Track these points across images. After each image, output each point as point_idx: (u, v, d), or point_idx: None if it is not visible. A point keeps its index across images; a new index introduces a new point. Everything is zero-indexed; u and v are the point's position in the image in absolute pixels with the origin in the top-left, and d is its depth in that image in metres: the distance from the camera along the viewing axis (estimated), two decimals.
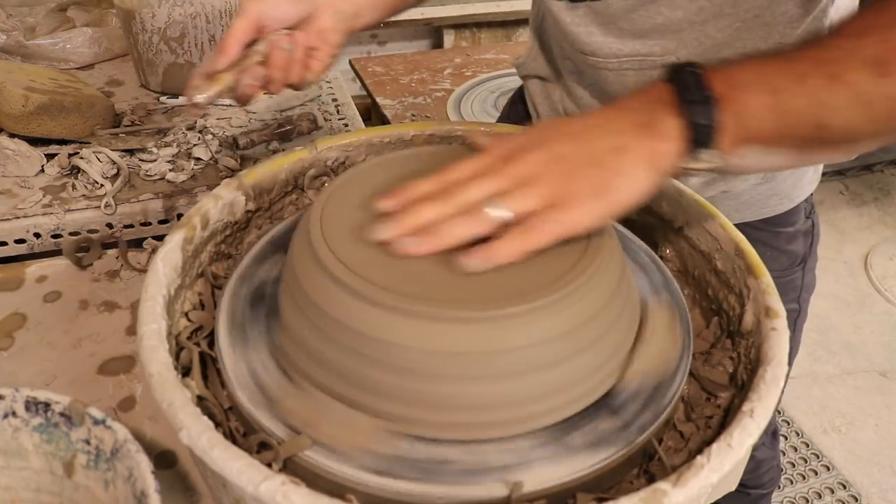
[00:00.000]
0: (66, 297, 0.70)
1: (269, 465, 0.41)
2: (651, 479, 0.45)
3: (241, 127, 1.08)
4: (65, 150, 0.96)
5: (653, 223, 0.63)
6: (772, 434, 1.08)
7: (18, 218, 0.87)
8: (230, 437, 0.46)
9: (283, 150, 1.02)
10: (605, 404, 0.47)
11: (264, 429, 0.44)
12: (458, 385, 0.43)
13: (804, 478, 1.64)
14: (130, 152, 0.99)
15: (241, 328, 0.51)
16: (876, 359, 1.95)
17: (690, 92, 0.45)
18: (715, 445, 0.39)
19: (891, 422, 1.77)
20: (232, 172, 0.95)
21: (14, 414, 0.47)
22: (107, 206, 0.88)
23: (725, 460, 0.39)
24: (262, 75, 0.66)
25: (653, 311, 0.53)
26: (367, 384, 0.44)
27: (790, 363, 0.91)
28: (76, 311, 0.69)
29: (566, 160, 0.46)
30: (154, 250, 0.71)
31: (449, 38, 2.30)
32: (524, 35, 2.35)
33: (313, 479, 0.42)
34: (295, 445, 0.43)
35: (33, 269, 0.74)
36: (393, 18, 0.78)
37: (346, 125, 1.13)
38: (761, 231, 0.78)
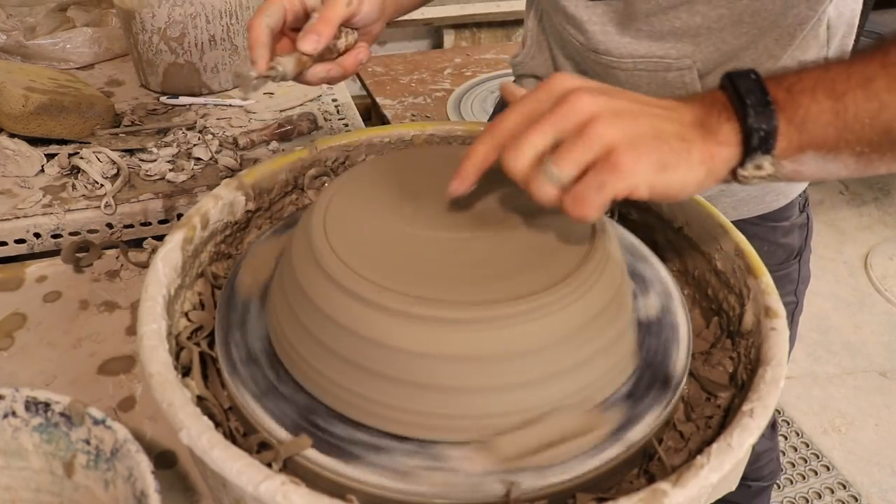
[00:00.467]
0: (66, 297, 0.70)
1: (269, 465, 0.41)
2: (651, 479, 0.45)
3: (241, 127, 1.08)
4: (65, 150, 0.97)
5: (653, 223, 0.63)
6: (771, 426, 1.08)
7: (18, 218, 0.87)
8: (230, 437, 0.46)
9: (283, 150, 1.02)
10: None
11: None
12: (457, 385, 0.43)
13: (804, 478, 1.64)
14: (130, 152, 0.99)
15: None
16: (876, 359, 1.95)
17: (749, 96, 0.44)
18: (715, 445, 0.39)
19: (891, 422, 1.77)
20: (232, 172, 0.95)
21: (14, 414, 0.47)
22: (107, 206, 0.88)
23: (725, 460, 0.39)
24: (326, 71, 0.60)
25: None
26: (366, 384, 0.44)
27: (789, 353, 0.91)
28: (76, 311, 0.69)
29: (630, 117, 0.43)
30: (154, 250, 0.71)
31: (449, 38, 2.30)
32: None
33: (313, 479, 0.42)
34: (295, 445, 0.43)
35: (33, 269, 0.74)
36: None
37: (346, 125, 1.13)
38: (758, 227, 0.79)
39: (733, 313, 0.53)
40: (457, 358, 0.42)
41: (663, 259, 0.61)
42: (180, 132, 1.03)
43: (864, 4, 1.45)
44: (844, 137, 0.44)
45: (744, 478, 1.04)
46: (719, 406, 0.49)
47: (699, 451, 0.41)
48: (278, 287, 0.51)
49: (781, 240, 0.82)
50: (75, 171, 0.94)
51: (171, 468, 0.54)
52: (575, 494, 0.42)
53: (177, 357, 0.49)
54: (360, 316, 0.44)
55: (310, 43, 0.56)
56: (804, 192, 0.83)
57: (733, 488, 0.42)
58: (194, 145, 1.00)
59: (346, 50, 0.61)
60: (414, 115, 1.50)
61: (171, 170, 0.95)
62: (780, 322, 0.47)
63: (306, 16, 0.59)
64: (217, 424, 0.45)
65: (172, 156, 0.98)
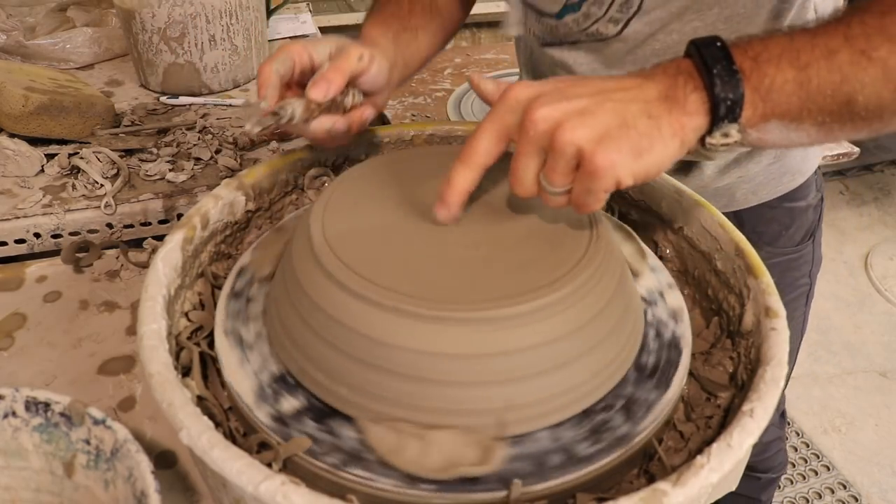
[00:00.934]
0: (66, 297, 0.70)
1: (269, 465, 0.41)
2: (651, 479, 0.45)
3: (241, 127, 1.08)
4: (65, 150, 0.96)
5: (653, 223, 0.63)
6: (780, 415, 1.09)
7: (18, 218, 0.87)
8: (230, 437, 0.46)
9: (283, 150, 1.02)
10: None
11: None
12: (457, 386, 0.43)
13: (804, 478, 1.64)
14: (130, 152, 0.99)
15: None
16: (876, 359, 1.95)
17: (715, 65, 0.44)
18: (715, 445, 0.39)
19: (891, 422, 1.77)
20: (232, 172, 0.95)
21: (14, 414, 0.47)
22: (107, 206, 0.88)
23: (725, 460, 0.39)
24: (332, 123, 0.60)
25: None
26: (366, 384, 0.44)
27: (800, 341, 0.92)
28: (76, 311, 0.69)
29: (595, 117, 0.44)
30: (154, 250, 0.71)
31: None
32: None
33: (313, 480, 0.42)
34: (295, 445, 0.43)
35: (33, 269, 0.74)
36: None
37: None
38: (776, 209, 0.81)
39: (733, 313, 0.53)
40: (456, 356, 0.42)
41: (663, 259, 0.61)
42: (180, 132, 1.03)
43: None
44: (807, 107, 0.45)
45: (753, 469, 1.06)
46: (719, 406, 0.49)
47: (699, 451, 0.41)
48: (281, 285, 0.51)
49: (799, 221, 0.84)
50: (75, 171, 0.94)
51: (171, 468, 0.54)
52: (575, 494, 0.42)
53: (177, 357, 0.49)
54: (359, 314, 0.44)
55: (320, 90, 0.56)
56: (817, 169, 0.84)
57: (733, 488, 0.42)
58: (194, 145, 1.00)
59: (352, 109, 0.61)
60: (414, 115, 1.50)
61: (171, 170, 0.95)
62: (780, 322, 0.47)
63: (313, 71, 0.59)
64: (217, 424, 0.45)
65: (172, 156, 0.98)
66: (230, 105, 1.15)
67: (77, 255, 0.74)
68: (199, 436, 0.39)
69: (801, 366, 1.90)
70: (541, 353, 0.44)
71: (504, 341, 0.43)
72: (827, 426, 1.76)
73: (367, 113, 0.63)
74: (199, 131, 1.04)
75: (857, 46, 0.44)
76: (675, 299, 0.55)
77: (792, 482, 1.63)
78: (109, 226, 0.90)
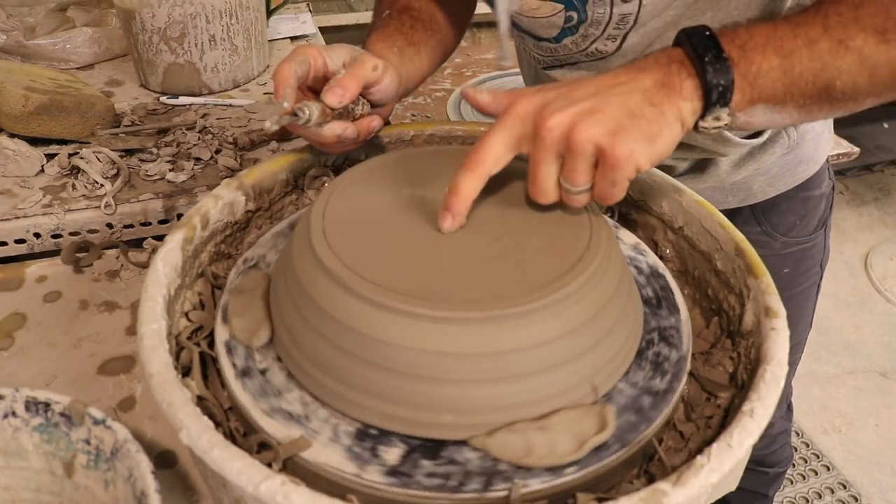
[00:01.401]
0: (66, 297, 0.70)
1: (269, 465, 0.41)
2: (651, 479, 0.45)
3: (241, 127, 1.08)
4: (65, 150, 0.96)
5: (653, 223, 0.63)
6: (787, 407, 1.09)
7: (18, 218, 0.87)
8: (230, 437, 0.46)
9: (283, 150, 1.02)
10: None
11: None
12: (457, 386, 0.43)
13: (804, 478, 1.64)
14: (130, 152, 0.99)
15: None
16: (876, 359, 1.95)
17: (706, 53, 0.47)
18: (715, 445, 0.39)
19: (891, 422, 1.77)
20: (232, 172, 0.95)
21: (14, 414, 0.47)
22: (107, 206, 0.88)
23: (725, 460, 0.39)
24: (343, 129, 0.60)
25: None
26: (365, 384, 0.44)
27: (808, 334, 0.93)
28: (76, 311, 0.69)
29: (602, 111, 0.46)
30: (154, 250, 0.71)
31: None
32: None
33: (313, 480, 0.42)
34: (295, 445, 0.43)
35: (33, 269, 0.74)
36: None
37: None
38: (792, 199, 0.83)
39: (733, 313, 0.53)
40: (457, 355, 0.42)
41: (663, 259, 0.61)
42: (180, 132, 1.03)
43: None
44: (790, 92, 0.49)
45: (759, 464, 1.06)
46: (719, 406, 0.49)
47: (699, 451, 0.41)
48: (282, 285, 0.51)
49: (813, 209, 0.85)
50: (75, 171, 0.94)
51: (171, 468, 0.54)
52: (575, 494, 0.42)
53: (177, 357, 0.49)
54: (360, 314, 0.44)
55: (335, 96, 0.57)
56: (828, 158, 0.86)
57: (733, 488, 0.42)
58: (194, 145, 1.00)
59: (360, 117, 0.62)
60: (414, 115, 1.50)
61: (171, 170, 0.95)
62: (780, 322, 0.47)
63: (325, 77, 0.60)
64: (217, 424, 0.45)
65: (172, 156, 0.98)
66: (230, 105, 1.15)
67: (77, 255, 0.74)
68: (199, 436, 0.39)
69: (802, 366, 1.89)
70: (542, 351, 0.44)
71: (504, 340, 0.43)
72: (827, 426, 1.76)
73: (375, 123, 0.64)
74: (199, 131, 1.04)
75: (835, 36, 0.48)
76: (628, 236, 0.61)
77: (792, 482, 1.63)
78: (109, 226, 0.90)
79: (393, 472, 0.42)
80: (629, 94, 0.47)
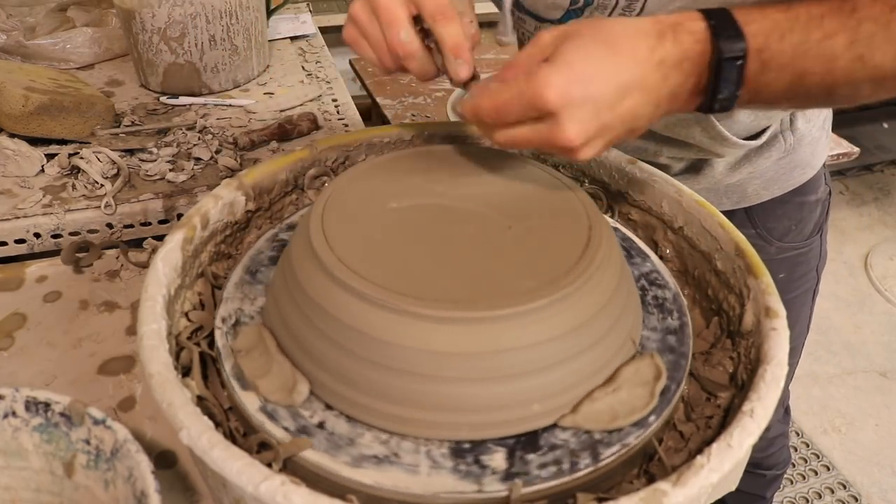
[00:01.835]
0: (66, 297, 0.70)
1: (269, 465, 0.41)
2: (651, 479, 0.45)
3: (241, 127, 1.08)
4: (65, 150, 0.96)
5: (653, 223, 0.63)
6: (784, 410, 1.09)
7: (18, 218, 0.87)
8: (230, 437, 0.46)
9: (283, 150, 1.02)
10: None
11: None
12: (457, 385, 0.43)
13: (804, 478, 1.64)
14: (130, 152, 0.99)
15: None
16: (876, 359, 1.95)
17: (725, 84, 0.48)
18: (715, 445, 0.39)
19: (891, 422, 1.77)
20: (232, 172, 0.95)
21: (14, 414, 0.47)
22: (107, 206, 0.88)
23: (725, 460, 0.39)
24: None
25: None
26: (366, 384, 0.44)
27: (805, 339, 0.93)
28: (76, 311, 0.69)
29: (614, 131, 0.48)
30: (154, 250, 0.71)
31: None
32: None
33: (313, 480, 0.42)
34: (295, 445, 0.43)
35: (33, 269, 0.74)
36: None
37: (346, 125, 1.13)
38: (788, 204, 0.82)
39: (733, 313, 0.53)
40: (455, 355, 0.42)
41: (663, 259, 0.61)
42: (180, 132, 1.03)
43: None
44: (788, 98, 0.50)
45: (757, 466, 1.06)
46: (719, 406, 0.49)
47: (699, 451, 0.41)
48: (281, 285, 0.51)
49: (809, 215, 0.85)
50: (75, 171, 0.94)
51: (171, 468, 0.54)
52: (575, 494, 0.42)
53: (177, 357, 0.49)
54: (359, 313, 0.44)
55: (465, 70, 0.54)
56: (825, 163, 0.85)
57: (733, 488, 0.42)
58: (194, 145, 1.00)
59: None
60: (414, 115, 1.50)
61: (171, 170, 0.95)
62: (781, 322, 0.47)
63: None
64: (217, 424, 0.45)
65: (172, 156, 0.98)
66: (230, 105, 1.15)
67: (77, 255, 0.74)
68: (199, 436, 0.39)
69: (802, 366, 1.89)
70: (541, 351, 0.44)
71: (503, 340, 0.43)
72: (827, 426, 1.76)
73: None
74: (199, 131, 1.04)
75: (857, 52, 0.47)
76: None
77: (792, 482, 1.63)
78: (109, 226, 0.90)
79: (509, 475, 0.42)
80: (642, 106, 0.47)
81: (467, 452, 0.43)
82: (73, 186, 0.91)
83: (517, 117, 0.47)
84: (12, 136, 0.95)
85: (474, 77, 0.55)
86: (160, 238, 0.60)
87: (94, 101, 1.01)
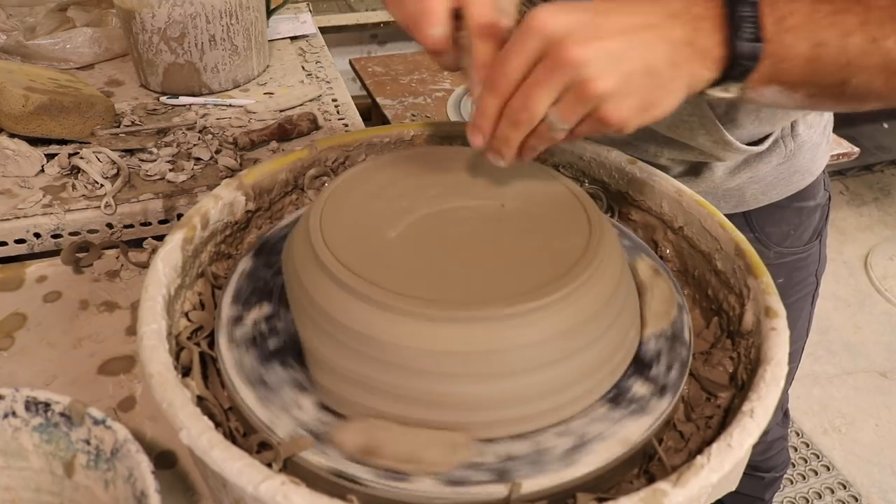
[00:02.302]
0: (66, 297, 0.70)
1: (269, 465, 0.41)
2: (651, 479, 0.45)
3: (241, 127, 1.08)
4: (65, 150, 0.97)
5: (653, 223, 0.63)
6: (783, 414, 1.09)
7: (18, 218, 0.87)
8: (230, 437, 0.46)
9: (283, 150, 1.02)
10: (633, 372, 0.49)
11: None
12: (457, 385, 0.43)
13: (804, 478, 1.64)
14: (130, 152, 0.99)
15: (260, 381, 0.48)
16: (876, 359, 1.95)
17: (744, 25, 0.45)
18: (715, 445, 0.39)
19: (891, 422, 1.77)
20: (232, 172, 0.95)
21: (14, 414, 0.47)
22: (107, 206, 0.88)
23: (725, 460, 0.39)
24: None
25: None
26: (365, 383, 0.44)
27: (805, 342, 0.92)
28: (76, 311, 0.69)
29: (624, 62, 0.44)
30: (154, 250, 0.71)
31: None
32: None
33: (313, 480, 0.42)
34: (295, 445, 0.43)
35: (33, 269, 0.74)
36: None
37: (346, 125, 1.13)
38: (786, 209, 0.81)
39: (733, 313, 0.53)
40: (454, 354, 0.42)
41: (663, 259, 0.61)
42: (180, 132, 1.03)
43: None
44: (808, 81, 0.47)
45: (756, 469, 1.06)
46: (719, 406, 0.49)
47: (699, 451, 0.41)
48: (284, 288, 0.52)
49: (808, 220, 0.84)
50: (75, 171, 0.94)
51: (171, 468, 0.54)
52: (575, 494, 0.42)
53: (177, 357, 0.49)
54: (358, 313, 0.44)
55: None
56: (825, 168, 0.85)
57: (733, 488, 0.42)
58: (194, 145, 1.00)
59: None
60: (414, 115, 1.50)
61: (171, 170, 0.95)
62: (780, 322, 0.47)
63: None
64: (217, 424, 0.45)
65: (172, 156, 0.98)
66: (230, 105, 1.15)
67: (77, 255, 0.74)
68: (199, 436, 0.39)
69: (802, 366, 1.89)
70: (542, 349, 0.44)
71: (504, 339, 0.43)
72: (827, 426, 1.76)
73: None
74: (199, 131, 1.04)
75: (870, 33, 0.45)
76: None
77: (792, 482, 1.63)
78: (109, 226, 0.90)
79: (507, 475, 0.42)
80: (655, 43, 0.45)
81: None
82: (73, 186, 0.91)
83: (519, 68, 0.45)
84: (12, 136, 0.95)
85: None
86: (160, 238, 0.60)
87: (94, 101, 1.01)
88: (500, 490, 0.41)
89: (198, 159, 0.98)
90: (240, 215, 0.60)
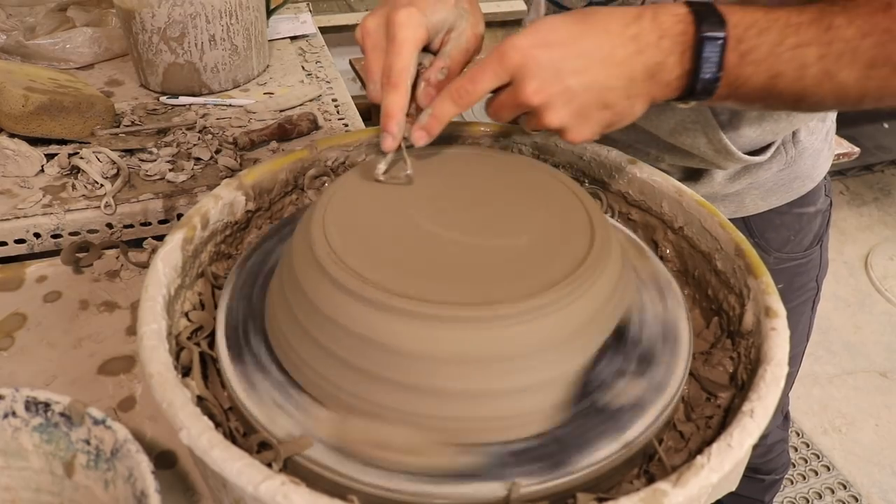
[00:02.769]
0: (66, 297, 0.70)
1: (269, 465, 0.41)
2: (651, 479, 0.45)
3: (241, 127, 1.08)
4: (65, 150, 0.96)
5: (653, 223, 0.63)
6: (783, 417, 1.09)
7: (18, 218, 0.87)
8: (230, 437, 0.46)
9: (283, 150, 1.02)
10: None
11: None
12: (457, 385, 0.43)
13: (804, 478, 1.64)
14: (130, 152, 0.99)
15: (251, 372, 0.48)
16: (876, 359, 1.95)
17: (705, 69, 0.49)
18: (715, 445, 0.39)
19: (891, 422, 1.77)
20: (232, 172, 0.95)
21: (14, 414, 0.47)
22: (107, 206, 0.88)
23: (725, 460, 0.39)
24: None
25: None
26: (364, 383, 0.44)
27: (805, 346, 0.92)
28: (76, 311, 0.69)
29: (579, 98, 0.49)
30: (154, 250, 0.71)
31: None
32: None
33: (313, 480, 0.42)
34: (295, 445, 0.43)
35: (33, 269, 0.74)
36: None
37: (346, 125, 1.13)
38: (785, 215, 0.81)
39: (733, 313, 0.53)
40: (454, 356, 0.42)
41: (663, 259, 0.61)
42: (180, 132, 1.03)
43: None
44: (762, 99, 0.51)
45: (756, 471, 1.06)
46: (719, 406, 0.49)
47: (699, 451, 0.41)
48: (277, 286, 0.51)
49: (808, 226, 0.84)
50: (75, 171, 0.94)
51: (171, 468, 0.54)
52: (575, 494, 0.42)
53: (177, 357, 0.49)
54: (358, 315, 0.44)
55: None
56: (826, 175, 0.85)
57: (733, 488, 0.42)
58: (194, 145, 1.00)
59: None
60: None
61: (171, 170, 0.95)
62: (781, 322, 0.47)
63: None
64: (217, 424, 0.45)
65: (172, 156, 0.98)
66: (230, 105, 1.15)
67: (77, 255, 0.74)
68: (199, 436, 0.39)
69: (802, 366, 1.90)
70: (542, 349, 0.44)
71: (504, 339, 0.43)
72: (827, 426, 1.76)
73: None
74: (199, 131, 1.04)
75: (826, 66, 0.49)
76: None
77: (792, 482, 1.63)
78: (109, 226, 0.90)
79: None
80: (614, 79, 0.49)
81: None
82: (73, 186, 0.91)
83: (489, 83, 0.50)
84: (12, 136, 0.95)
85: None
86: (160, 238, 0.60)
87: (94, 101, 1.01)
88: (499, 490, 0.41)
89: (198, 159, 0.97)
90: (240, 215, 0.60)
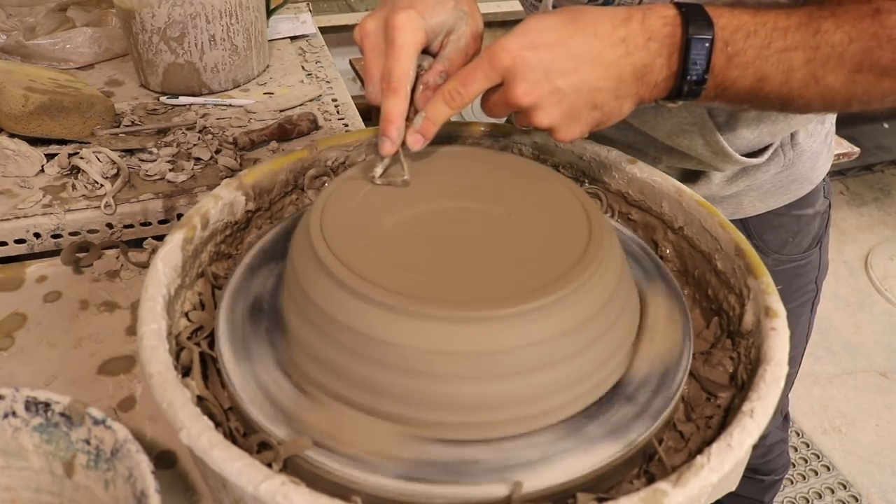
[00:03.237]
0: (66, 297, 0.70)
1: (269, 465, 0.41)
2: (651, 479, 0.45)
3: (241, 127, 1.08)
4: (65, 150, 0.96)
5: (653, 223, 0.63)
6: (783, 417, 1.09)
7: (18, 218, 0.87)
8: (230, 437, 0.46)
9: (283, 150, 1.02)
10: (617, 393, 0.47)
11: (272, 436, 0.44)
12: (456, 385, 0.43)
13: (804, 478, 1.64)
14: (130, 152, 0.99)
15: (245, 345, 0.49)
16: (876, 359, 1.95)
17: (692, 72, 0.49)
18: (715, 445, 0.39)
19: (891, 422, 1.77)
20: (232, 172, 0.95)
21: (14, 414, 0.47)
22: (107, 206, 0.88)
23: (725, 460, 0.39)
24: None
25: (652, 300, 0.54)
26: (368, 385, 0.44)
27: (805, 347, 0.92)
28: (76, 311, 0.69)
29: (569, 99, 0.50)
30: (154, 250, 0.71)
31: None
32: None
33: (313, 480, 0.42)
34: (295, 445, 0.43)
35: (33, 269, 0.74)
36: None
37: (346, 125, 1.13)
38: (784, 217, 0.81)
39: (733, 313, 0.53)
40: (453, 354, 0.42)
41: (663, 259, 0.61)
42: (180, 132, 1.03)
43: None
44: (750, 100, 0.52)
45: (755, 472, 1.06)
46: (719, 406, 0.49)
47: (699, 451, 0.41)
48: (278, 286, 0.51)
49: (806, 228, 0.84)
50: (75, 171, 0.94)
51: (171, 468, 0.54)
52: (575, 494, 0.42)
53: (177, 357, 0.49)
54: (358, 313, 0.44)
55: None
56: (826, 177, 0.85)
57: (733, 488, 0.42)
58: (194, 145, 1.00)
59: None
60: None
61: (171, 170, 0.95)
62: (780, 322, 0.47)
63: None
64: (217, 424, 0.45)
65: (172, 156, 0.98)
66: (230, 105, 1.15)
67: (77, 255, 0.74)
68: (199, 436, 0.39)
69: (802, 366, 1.90)
70: (542, 349, 0.44)
71: (503, 339, 0.43)
72: (827, 426, 1.76)
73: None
74: (199, 131, 1.04)
75: (813, 70, 0.50)
76: None
77: (792, 482, 1.63)
78: (109, 226, 0.90)
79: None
80: (603, 81, 0.49)
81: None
82: (73, 186, 0.91)
83: (480, 85, 0.51)
84: (12, 136, 0.95)
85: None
86: (160, 238, 0.60)
87: (94, 101, 1.01)
88: (501, 489, 0.41)
89: (198, 159, 0.97)
90: (240, 215, 0.60)
